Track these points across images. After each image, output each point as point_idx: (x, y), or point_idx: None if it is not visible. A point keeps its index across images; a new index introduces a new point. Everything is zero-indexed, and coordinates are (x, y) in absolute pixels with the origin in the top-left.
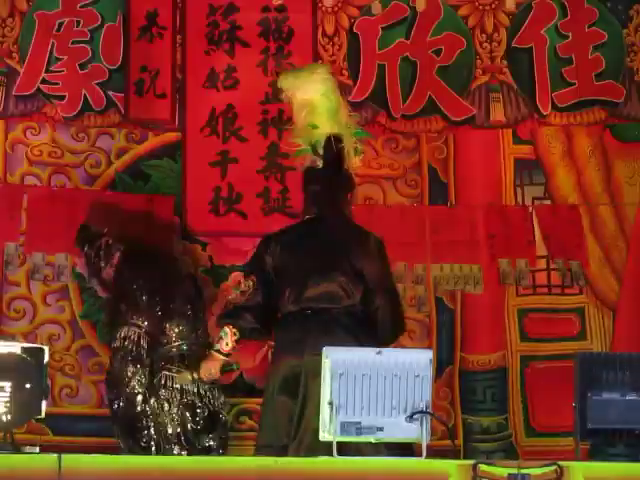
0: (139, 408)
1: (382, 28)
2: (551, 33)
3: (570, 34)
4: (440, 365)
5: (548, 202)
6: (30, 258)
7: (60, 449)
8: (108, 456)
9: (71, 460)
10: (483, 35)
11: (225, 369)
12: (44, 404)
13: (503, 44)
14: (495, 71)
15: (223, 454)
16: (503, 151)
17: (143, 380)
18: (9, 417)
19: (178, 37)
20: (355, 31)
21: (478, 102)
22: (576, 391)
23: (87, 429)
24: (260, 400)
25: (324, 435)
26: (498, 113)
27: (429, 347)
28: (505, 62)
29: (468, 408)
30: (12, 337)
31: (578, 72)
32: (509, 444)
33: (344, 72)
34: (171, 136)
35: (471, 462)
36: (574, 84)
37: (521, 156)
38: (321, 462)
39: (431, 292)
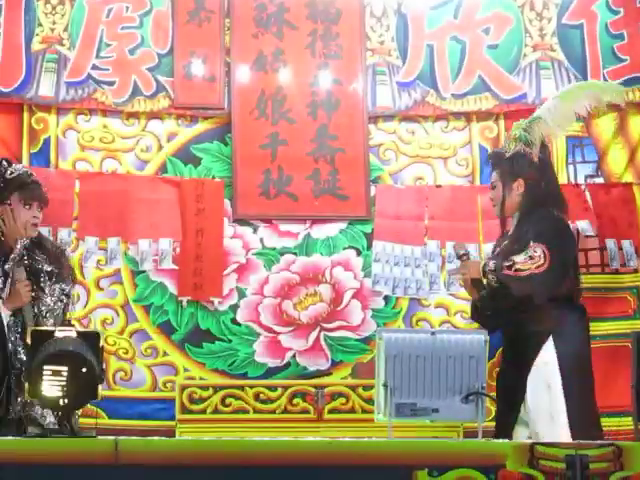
0: None
1: (430, 8)
2: (602, 9)
3: (621, 9)
4: (493, 346)
5: (600, 180)
6: (83, 243)
7: (115, 432)
8: (164, 439)
9: (127, 443)
10: (532, 12)
11: None
12: (100, 388)
13: (553, 21)
14: (545, 48)
15: None
16: None
17: None
18: (66, 401)
19: (226, 21)
20: (403, 11)
21: (529, 80)
22: (634, 371)
23: (141, 412)
24: (313, 382)
25: (379, 417)
26: (549, 90)
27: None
28: (555, 39)
29: None
30: (67, 322)
31: (630, 48)
32: None
33: (392, 53)
34: (221, 119)
35: (528, 443)
36: (626, 60)
37: (573, 134)
38: (376, 443)
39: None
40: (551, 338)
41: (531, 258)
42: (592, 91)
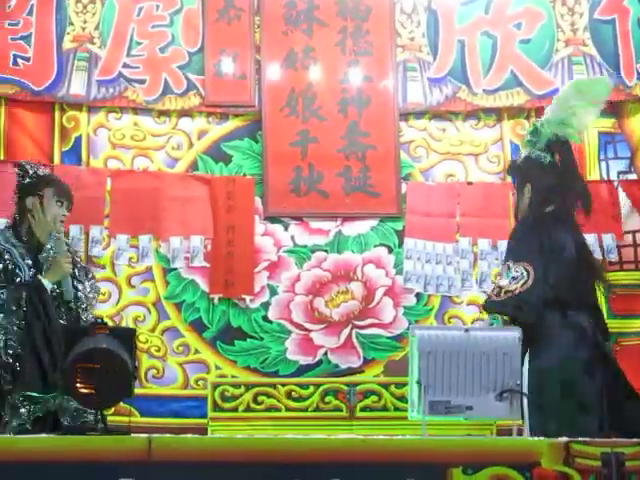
0: None
1: (461, 4)
2: (634, 3)
3: None
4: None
5: (633, 176)
6: (114, 241)
7: (147, 430)
8: (197, 437)
9: (161, 441)
10: (564, 7)
11: None
12: (134, 385)
13: (585, 16)
14: (578, 43)
15: None
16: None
17: None
18: (100, 399)
19: (256, 18)
20: (433, 7)
21: (561, 75)
22: None
23: (174, 410)
24: (345, 380)
25: (413, 414)
26: None
27: None
28: (587, 34)
29: None
30: (100, 319)
31: None
32: None
33: (423, 49)
34: (251, 117)
35: (563, 441)
36: None
37: (605, 129)
38: (410, 441)
39: None
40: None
41: (514, 279)
42: (583, 88)
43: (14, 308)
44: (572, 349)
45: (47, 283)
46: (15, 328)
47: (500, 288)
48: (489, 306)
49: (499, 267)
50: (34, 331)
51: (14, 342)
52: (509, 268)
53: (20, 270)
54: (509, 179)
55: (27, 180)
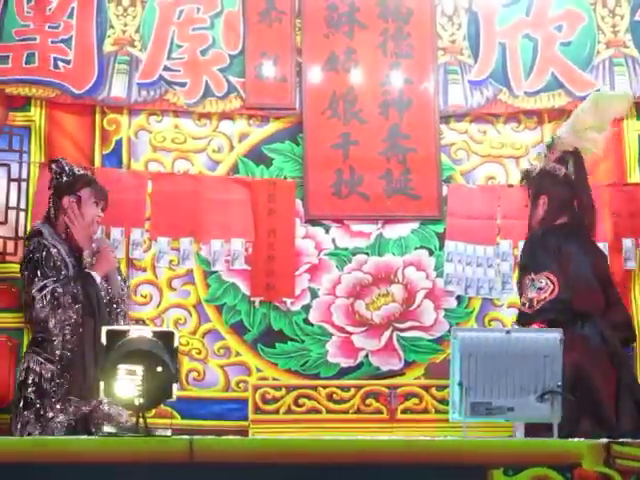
0: None
1: (502, 6)
2: None
3: None
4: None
5: None
6: (155, 243)
7: (188, 433)
8: (238, 438)
9: (202, 443)
10: (605, 9)
11: None
12: (175, 387)
13: (626, 18)
14: (619, 45)
15: None
16: (627, 127)
17: None
18: (141, 400)
19: (297, 21)
20: (474, 10)
21: (602, 77)
22: None
23: (214, 412)
24: (386, 382)
25: (454, 416)
26: (623, 87)
27: None
28: (629, 35)
29: None
30: (141, 322)
31: None
32: None
33: (464, 51)
34: (292, 120)
35: (604, 442)
36: None
37: None
38: (451, 442)
39: None
40: None
41: (540, 289)
42: (601, 104)
43: (70, 302)
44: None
45: (97, 276)
46: (73, 323)
47: (531, 300)
48: (523, 319)
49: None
50: (87, 328)
51: (71, 338)
52: (532, 280)
53: (66, 267)
54: None
55: (64, 179)
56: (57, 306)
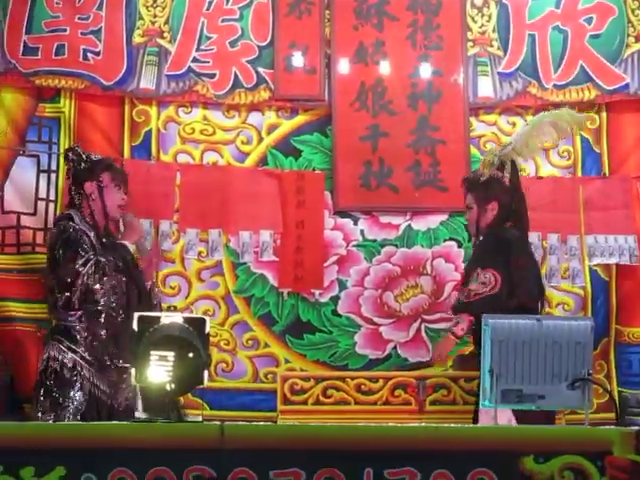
0: None
1: None
2: None
3: None
4: (595, 338)
5: None
6: (184, 235)
7: None
8: (269, 424)
9: (233, 428)
10: (635, 2)
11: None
12: (206, 374)
13: None
14: None
15: None
16: None
17: None
18: (172, 386)
19: (326, 12)
20: (504, 1)
21: (631, 70)
22: None
23: (243, 403)
24: (415, 373)
25: (485, 403)
26: None
27: None
28: None
29: (623, 381)
30: (173, 308)
31: None
32: None
33: (494, 43)
34: (321, 111)
35: (634, 430)
36: None
37: None
38: (483, 429)
39: (585, 264)
40: None
41: (483, 284)
42: (554, 120)
43: (113, 270)
44: None
45: (130, 245)
46: (119, 290)
47: (470, 291)
48: (457, 307)
49: (568, 262)
50: (131, 294)
51: (118, 304)
52: (478, 274)
53: (95, 249)
54: (579, 173)
55: (83, 165)
56: (103, 275)
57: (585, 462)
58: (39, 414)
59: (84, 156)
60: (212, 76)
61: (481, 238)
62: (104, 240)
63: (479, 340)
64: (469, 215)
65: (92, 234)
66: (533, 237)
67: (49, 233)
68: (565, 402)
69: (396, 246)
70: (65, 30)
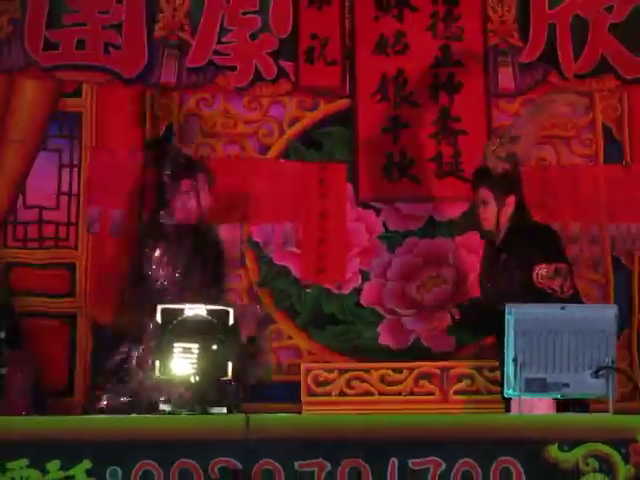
0: None
1: None
2: None
3: None
4: (618, 326)
5: None
6: None
7: None
8: (294, 415)
9: (258, 419)
10: None
11: None
12: (230, 365)
13: None
14: None
15: None
16: None
17: None
18: (197, 378)
19: (347, 4)
20: None
21: None
22: None
23: (267, 395)
24: (439, 364)
25: (509, 392)
26: None
27: None
28: None
29: None
30: None
31: None
32: None
33: (514, 33)
34: (342, 103)
35: None
36: None
37: None
38: (507, 418)
39: (607, 252)
40: None
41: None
42: (549, 104)
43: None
44: None
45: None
46: None
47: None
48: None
49: (590, 250)
50: None
51: None
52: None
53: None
54: (601, 162)
55: (182, 161)
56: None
57: (609, 450)
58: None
59: (182, 153)
60: (233, 69)
61: (516, 231)
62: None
63: (500, 330)
64: (485, 211)
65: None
66: (555, 226)
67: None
68: (589, 390)
69: (418, 237)
70: (85, 24)
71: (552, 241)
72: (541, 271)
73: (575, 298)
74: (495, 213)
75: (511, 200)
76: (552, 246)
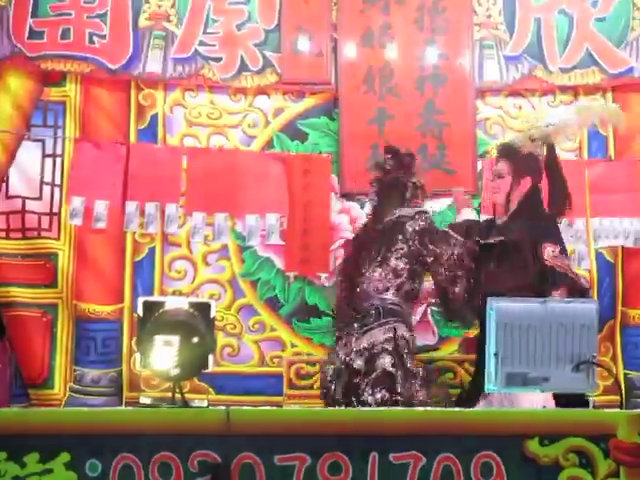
0: None
1: None
2: None
3: None
4: (601, 320)
5: None
6: (190, 219)
7: None
8: (275, 409)
9: (239, 413)
10: None
11: None
12: (211, 358)
13: None
14: None
15: None
16: None
17: None
18: (177, 371)
19: None
20: None
21: (636, 53)
22: None
23: (249, 388)
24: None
25: (490, 386)
26: None
27: None
28: None
29: (630, 363)
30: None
31: None
32: None
33: (500, 27)
34: (328, 95)
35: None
36: None
37: None
38: (488, 412)
39: (591, 246)
40: None
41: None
42: (601, 112)
43: None
44: None
45: None
46: None
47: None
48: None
49: (574, 245)
50: None
51: None
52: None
53: None
54: (585, 156)
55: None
56: None
57: (590, 445)
58: None
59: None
60: (218, 59)
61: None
62: None
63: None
64: (498, 184)
65: None
66: None
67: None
68: (570, 385)
69: None
70: (71, 14)
71: (553, 231)
72: (550, 249)
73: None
74: (507, 188)
75: (526, 181)
76: (553, 234)
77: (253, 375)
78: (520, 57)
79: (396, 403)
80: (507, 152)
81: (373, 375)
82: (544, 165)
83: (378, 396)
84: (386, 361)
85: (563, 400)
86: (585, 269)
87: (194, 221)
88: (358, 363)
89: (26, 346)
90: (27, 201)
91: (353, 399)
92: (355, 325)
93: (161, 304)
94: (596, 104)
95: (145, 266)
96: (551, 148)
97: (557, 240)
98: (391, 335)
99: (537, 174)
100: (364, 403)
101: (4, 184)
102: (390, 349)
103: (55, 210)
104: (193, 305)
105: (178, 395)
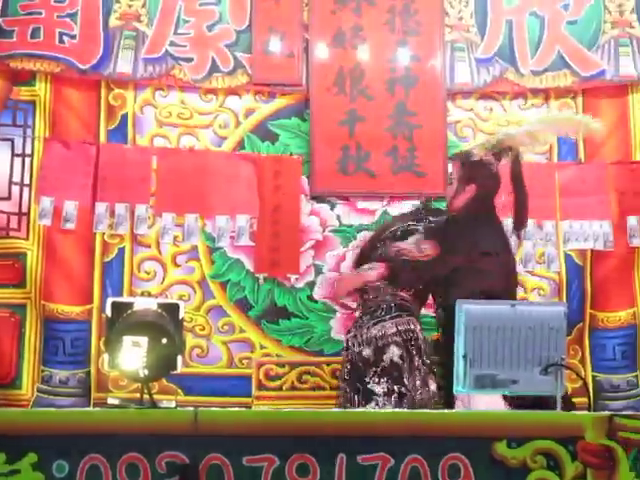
0: None
1: None
2: None
3: None
4: (570, 323)
5: None
6: (160, 219)
7: None
8: (242, 410)
9: (207, 414)
10: None
11: None
12: (180, 359)
13: None
14: (624, 25)
15: None
16: (633, 106)
17: None
18: (146, 372)
19: None
20: None
21: (607, 56)
22: None
23: (218, 389)
24: None
25: (458, 388)
26: (628, 67)
27: None
28: (634, 16)
29: (598, 366)
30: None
31: None
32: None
33: (471, 29)
34: (299, 96)
35: (607, 415)
36: None
37: None
38: (456, 415)
39: (560, 249)
40: None
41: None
42: (569, 124)
43: None
44: None
45: None
46: None
47: (400, 249)
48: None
49: (543, 247)
50: None
51: None
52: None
53: None
54: (555, 159)
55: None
56: None
57: (557, 447)
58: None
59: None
60: (189, 60)
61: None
62: None
63: (443, 324)
64: (450, 189)
65: None
66: (508, 222)
67: None
68: (538, 387)
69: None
70: (41, 13)
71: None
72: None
73: None
74: (452, 194)
75: (471, 189)
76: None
77: (222, 376)
78: (491, 59)
79: (401, 395)
80: (457, 159)
81: (381, 365)
82: (510, 176)
83: (384, 386)
84: (395, 353)
85: (519, 401)
86: (554, 271)
87: (164, 222)
88: (367, 352)
89: None
90: None
91: (360, 387)
92: (364, 318)
93: (130, 305)
94: (572, 116)
95: (114, 267)
96: (516, 160)
97: (491, 247)
98: (403, 328)
99: (485, 182)
100: (371, 392)
101: None
102: (400, 341)
103: (24, 210)
104: (162, 306)
105: (146, 396)
